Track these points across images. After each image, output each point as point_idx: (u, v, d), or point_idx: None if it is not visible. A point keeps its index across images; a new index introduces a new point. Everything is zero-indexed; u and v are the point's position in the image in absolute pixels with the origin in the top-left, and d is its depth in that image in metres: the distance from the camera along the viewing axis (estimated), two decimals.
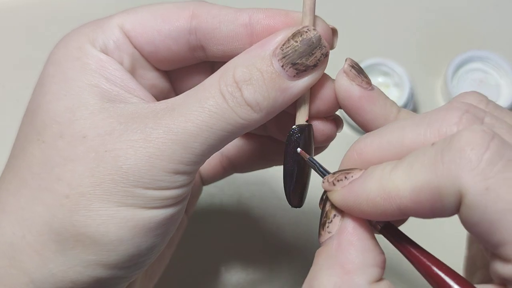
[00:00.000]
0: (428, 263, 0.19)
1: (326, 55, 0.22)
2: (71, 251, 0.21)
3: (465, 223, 0.18)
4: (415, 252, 0.20)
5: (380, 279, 0.20)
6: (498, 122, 0.19)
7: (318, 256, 0.21)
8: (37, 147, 0.22)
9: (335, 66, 0.47)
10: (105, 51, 0.23)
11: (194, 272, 0.39)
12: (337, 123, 0.25)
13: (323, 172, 0.22)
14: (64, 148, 0.21)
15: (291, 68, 0.21)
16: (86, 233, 0.21)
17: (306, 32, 0.21)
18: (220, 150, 0.30)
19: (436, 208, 0.18)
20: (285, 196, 0.24)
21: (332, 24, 0.53)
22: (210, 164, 0.31)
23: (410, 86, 0.42)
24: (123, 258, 0.21)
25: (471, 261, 0.24)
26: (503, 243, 0.17)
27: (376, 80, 0.44)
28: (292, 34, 0.21)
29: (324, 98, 0.23)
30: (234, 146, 0.30)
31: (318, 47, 0.22)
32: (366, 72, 0.44)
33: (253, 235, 0.40)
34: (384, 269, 0.20)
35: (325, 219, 0.21)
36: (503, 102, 0.43)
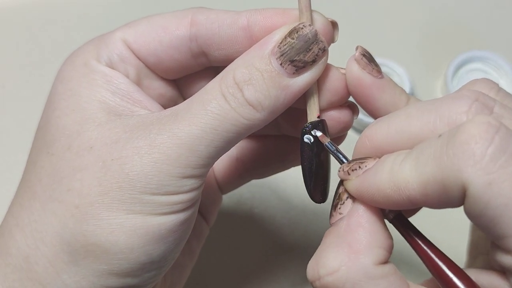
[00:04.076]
0: (436, 259, 0.20)
1: (323, 50, 0.22)
2: (82, 261, 0.21)
3: (469, 214, 0.18)
4: (423, 246, 0.20)
5: (386, 261, 0.20)
6: (507, 112, 0.19)
7: (326, 235, 0.21)
8: (47, 160, 0.22)
9: (337, 65, 0.47)
10: (110, 65, 0.24)
11: (192, 272, 0.39)
12: (353, 109, 0.25)
13: (340, 158, 0.22)
14: (72, 159, 0.22)
15: (289, 66, 0.21)
16: (96, 242, 0.21)
17: (302, 28, 0.21)
18: (235, 156, 0.30)
19: (443, 200, 0.18)
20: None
21: None
22: (226, 171, 0.31)
23: (410, 86, 0.42)
24: (135, 266, 0.21)
25: (474, 246, 0.24)
26: (504, 236, 0.17)
27: None
28: (289, 32, 0.21)
29: (333, 89, 0.23)
30: (248, 150, 0.30)
31: (314, 43, 0.22)
32: None
33: (253, 235, 0.40)
34: (390, 253, 0.21)
35: (337, 201, 0.22)
36: None
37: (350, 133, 0.43)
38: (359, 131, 0.44)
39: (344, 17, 0.49)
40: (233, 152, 0.30)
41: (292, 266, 0.39)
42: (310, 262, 0.21)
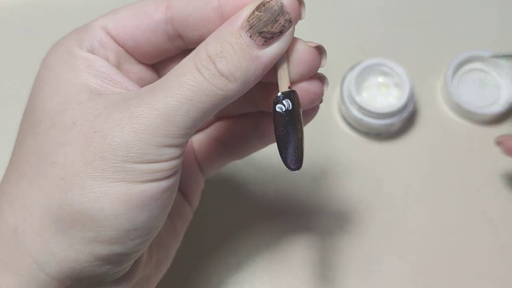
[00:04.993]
0: None
1: (290, 21, 0.23)
2: (69, 230, 0.22)
3: None
4: None
5: None
6: None
7: None
8: (33, 139, 0.24)
9: (340, 67, 0.47)
10: (91, 51, 0.25)
11: (187, 267, 0.39)
12: (322, 80, 0.26)
13: None
14: (57, 135, 0.23)
15: (258, 37, 0.23)
16: (81, 210, 0.22)
17: (268, 2, 0.23)
18: (215, 136, 0.31)
19: None
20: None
21: (332, 24, 0.53)
22: (207, 152, 0.32)
23: (410, 86, 0.42)
24: (120, 233, 0.22)
25: None
26: None
27: (376, 80, 0.44)
28: (256, 6, 0.23)
29: (302, 61, 0.24)
30: (227, 129, 0.31)
31: (281, 14, 0.23)
32: (366, 73, 0.44)
33: (252, 236, 0.40)
34: None
35: None
36: (503, 102, 0.43)
37: (348, 132, 0.44)
38: (358, 130, 0.44)
39: (344, 17, 0.49)
40: (212, 133, 0.32)
41: (292, 268, 0.39)
42: None
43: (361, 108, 0.41)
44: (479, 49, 0.45)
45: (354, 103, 0.42)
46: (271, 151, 0.31)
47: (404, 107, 0.41)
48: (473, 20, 0.48)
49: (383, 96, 0.43)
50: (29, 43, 0.48)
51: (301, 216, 0.41)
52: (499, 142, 0.39)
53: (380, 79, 0.44)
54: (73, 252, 0.22)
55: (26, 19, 0.49)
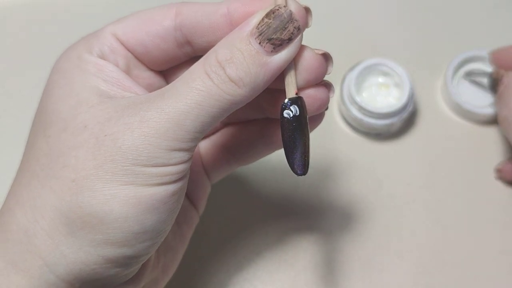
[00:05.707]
0: None
1: (298, 29, 0.23)
2: (79, 232, 0.22)
3: None
4: None
5: None
6: None
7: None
8: (44, 141, 0.24)
9: (340, 67, 0.47)
10: (101, 57, 0.26)
11: (188, 267, 0.39)
12: (328, 87, 0.26)
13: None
14: (68, 139, 0.23)
15: (267, 44, 0.23)
16: (92, 213, 0.22)
17: (278, 9, 0.23)
18: (221, 143, 0.32)
19: None
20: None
21: (332, 24, 0.53)
22: (214, 159, 0.32)
23: (410, 86, 0.42)
24: (129, 235, 0.22)
25: None
26: None
27: (376, 80, 0.44)
28: (266, 14, 0.23)
29: (309, 68, 0.24)
30: (234, 136, 0.31)
31: (290, 21, 0.23)
32: (366, 72, 0.44)
33: (252, 236, 0.40)
34: None
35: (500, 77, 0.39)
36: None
37: (348, 132, 0.44)
38: (358, 130, 0.44)
39: (344, 17, 0.49)
40: (219, 139, 0.32)
41: (293, 272, 0.39)
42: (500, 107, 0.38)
43: (361, 108, 0.41)
44: (479, 49, 0.45)
45: (354, 103, 0.42)
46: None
47: (404, 107, 0.41)
48: (473, 20, 0.48)
49: (383, 96, 0.43)
50: (29, 43, 0.48)
51: (301, 216, 0.41)
52: (499, 170, 0.42)
53: (380, 79, 0.44)
54: (82, 254, 0.22)
55: (26, 19, 0.49)
